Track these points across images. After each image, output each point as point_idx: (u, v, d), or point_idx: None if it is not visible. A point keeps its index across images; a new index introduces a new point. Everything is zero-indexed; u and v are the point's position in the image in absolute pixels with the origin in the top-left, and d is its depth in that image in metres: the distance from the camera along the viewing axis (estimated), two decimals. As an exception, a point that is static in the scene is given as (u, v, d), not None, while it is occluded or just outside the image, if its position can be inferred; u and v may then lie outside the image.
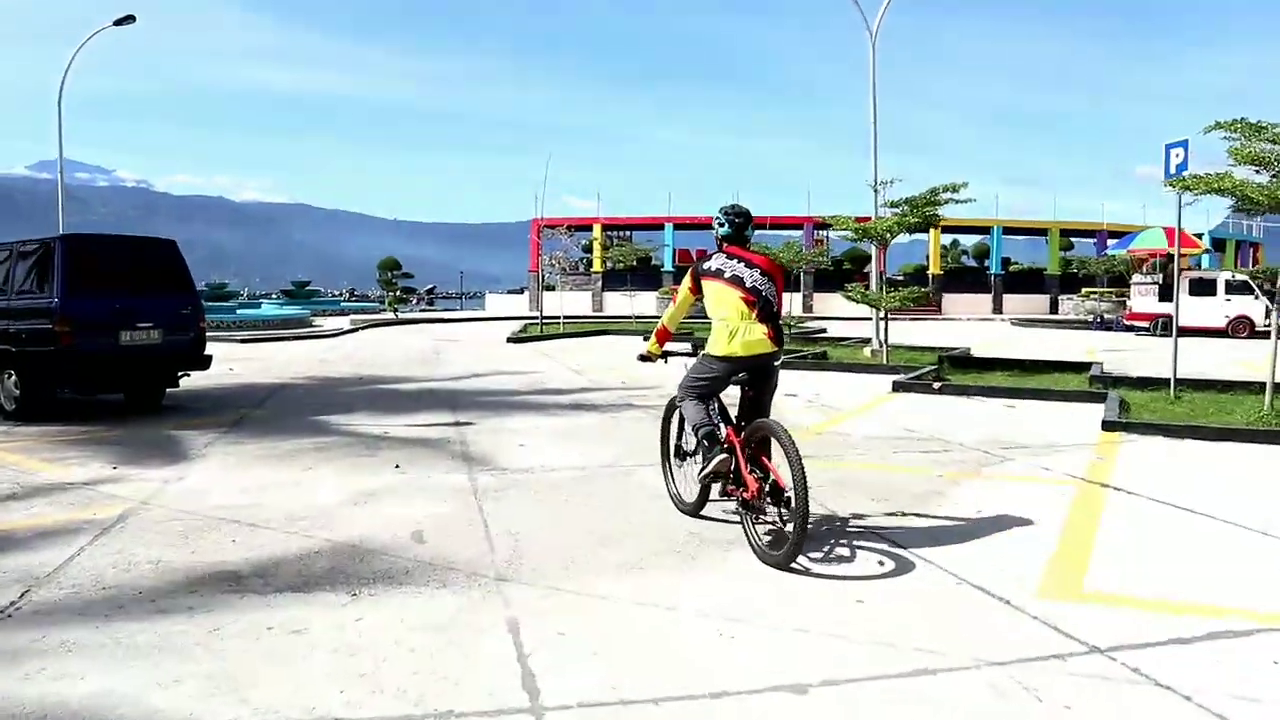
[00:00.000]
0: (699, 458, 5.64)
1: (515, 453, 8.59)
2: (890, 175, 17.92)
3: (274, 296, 49.97)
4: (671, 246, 47.29)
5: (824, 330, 27.57)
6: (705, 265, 5.66)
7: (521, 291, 55.49)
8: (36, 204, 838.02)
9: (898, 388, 13.30)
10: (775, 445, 5.21)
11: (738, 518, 5.60)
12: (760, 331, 5.38)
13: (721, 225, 5.76)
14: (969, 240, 60.13)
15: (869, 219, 18.07)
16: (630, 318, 33.48)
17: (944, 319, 41.12)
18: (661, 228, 48.08)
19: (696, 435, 5.60)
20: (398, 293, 36.82)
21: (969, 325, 35.36)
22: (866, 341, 23.07)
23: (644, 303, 44.91)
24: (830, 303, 46.54)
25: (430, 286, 75.20)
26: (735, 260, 5.59)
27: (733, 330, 5.40)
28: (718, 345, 5.46)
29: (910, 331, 30.90)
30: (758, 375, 5.54)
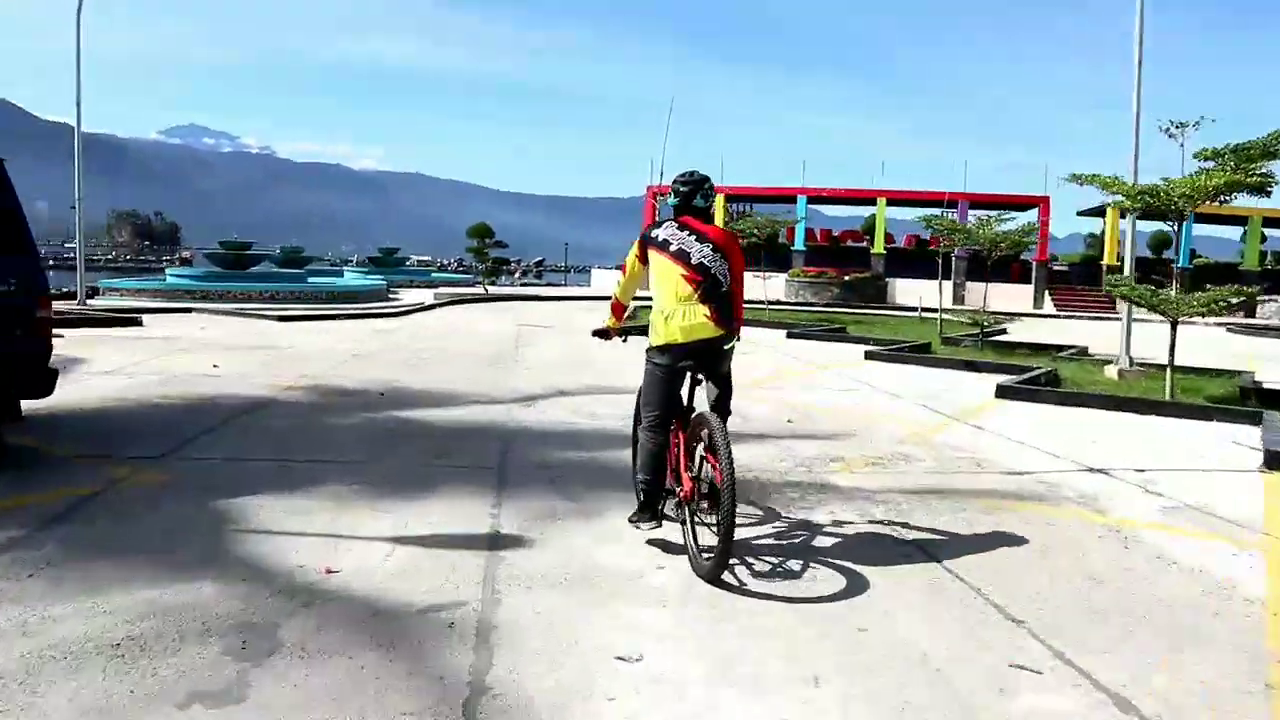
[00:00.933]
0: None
1: (603, 708, 3.29)
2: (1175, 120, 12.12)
3: (356, 263, 45.46)
4: (804, 222, 41.38)
5: (1002, 330, 21.48)
6: (653, 233, 5.01)
7: (620, 268, 50.47)
8: (169, 168, 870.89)
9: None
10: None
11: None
12: (701, 314, 4.76)
13: (689, 194, 5.00)
14: (1142, 227, 52.52)
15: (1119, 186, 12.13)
16: (761, 303, 27.77)
17: (1113, 317, 34.75)
18: (793, 200, 42.14)
19: (635, 485, 5.07)
20: (489, 264, 31.84)
21: (1155, 329, 28.86)
22: (1082, 352, 17.25)
23: (775, 287, 39.35)
24: (978, 293, 40.46)
25: (538, 259, 70.17)
26: (685, 231, 4.92)
27: (667, 314, 4.82)
28: (655, 334, 4.90)
29: (1080, 331, 24.74)
30: (704, 361, 4.90)
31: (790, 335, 19.47)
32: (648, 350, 4.98)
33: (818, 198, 42.54)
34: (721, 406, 4.95)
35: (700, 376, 5.01)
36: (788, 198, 42.51)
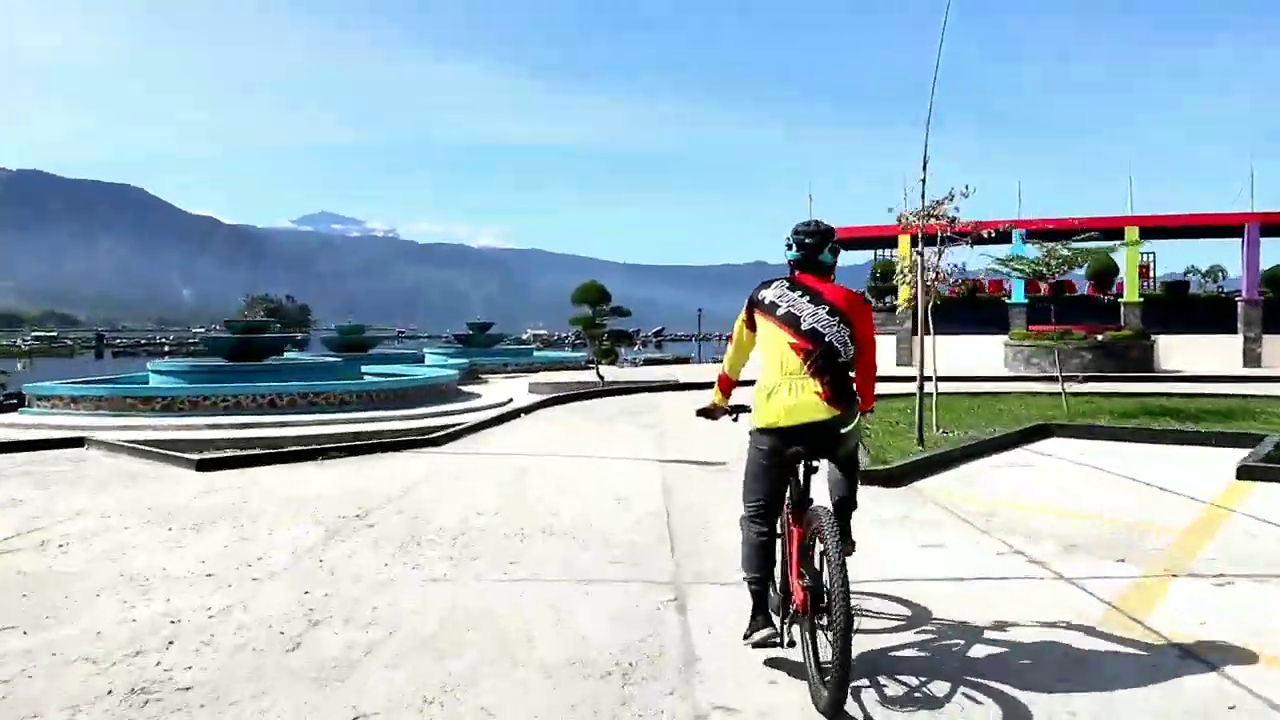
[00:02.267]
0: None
1: None
2: None
3: (444, 341, 36.26)
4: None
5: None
6: (761, 295, 4.31)
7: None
8: (302, 253, 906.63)
9: None
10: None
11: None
12: (811, 390, 4.00)
13: (811, 246, 4.28)
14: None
15: None
16: (977, 379, 17.63)
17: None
18: (1007, 238, 31.59)
19: (746, 581, 4.22)
20: (604, 340, 22.24)
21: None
22: None
23: (987, 354, 28.99)
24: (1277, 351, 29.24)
25: (658, 329, 59.75)
26: (797, 291, 4.21)
27: (770, 389, 4.09)
28: (756, 414, 4.15)
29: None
30: (818, 448, 4.08)
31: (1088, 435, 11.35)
32: (750, 432, 4.22)
33: (1039, 231, 31.92)
34: (843, 502, 4.27)
35: (815, 464, 4.14)
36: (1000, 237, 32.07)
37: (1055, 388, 20.29)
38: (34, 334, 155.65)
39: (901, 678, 4.14)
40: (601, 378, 21.49)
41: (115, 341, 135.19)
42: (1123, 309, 30.80)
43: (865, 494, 5.78)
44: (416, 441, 11.74)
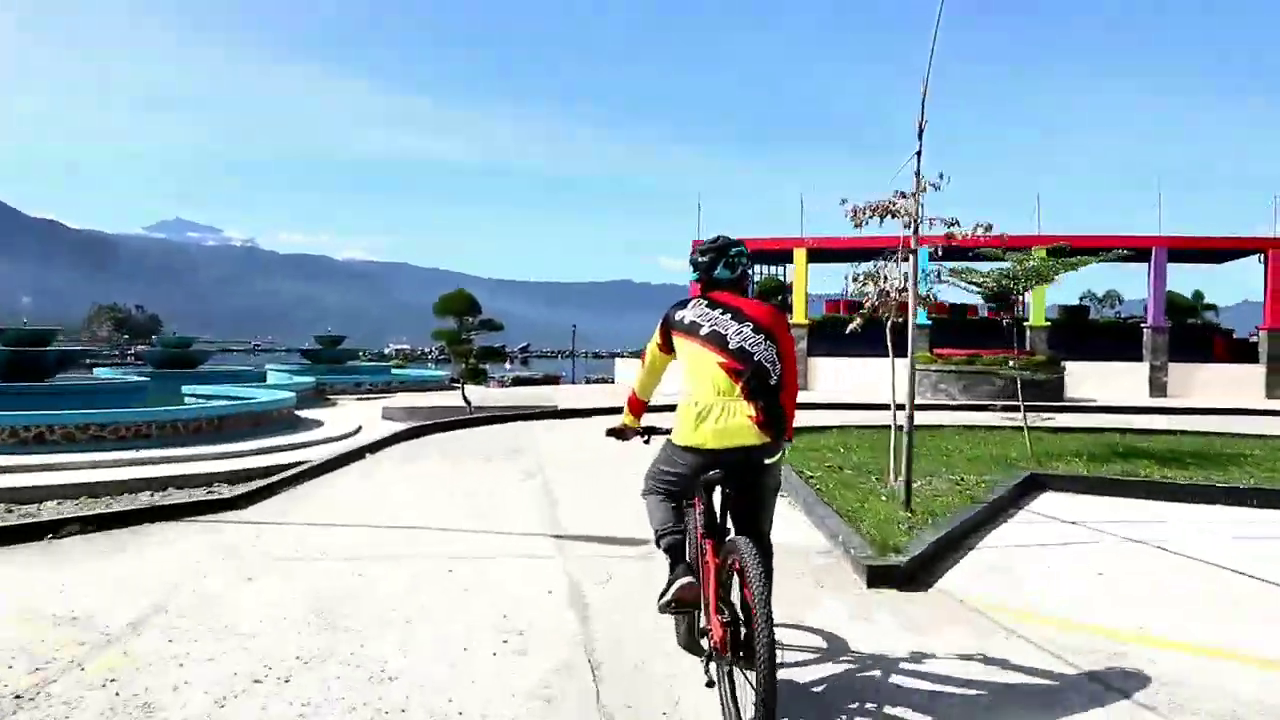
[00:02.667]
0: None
1: None
2: None
3: (303, 355, 31.77)
4: (930, 283, 28.86)
5: None
6: (678, 315, 4.11)
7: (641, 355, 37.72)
8: (155, 262, 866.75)
9: None
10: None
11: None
12: (743, 414, 3.78)
13: (709, 264, 4.16)
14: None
15: None
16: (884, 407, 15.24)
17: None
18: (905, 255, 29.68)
19: (657, 543, 4.09)
20: (471, 359, 18.83)
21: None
22: None
23: (888, 377, 26.80)
24: (1182, 380, 27.98)
25: (523, 345, 56.31)
26: (719, 310, 4.02)
27: (701, 410, 3.84)
28: (683, 432, 3.92)
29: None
30: (741, 475, 3.87)
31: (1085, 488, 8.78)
32: (668, 443, 4.08)
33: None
34: (755, 528, 3.96)
35: (729, 492, 3.93)
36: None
37: (985, 419, 18.05)
38: None
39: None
40: (468, 402, 18.19)
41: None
42: (1028, 333, 29.13)
43: (882, 608, 5.20)
44: (207, 505, 8.24)
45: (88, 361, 27.77)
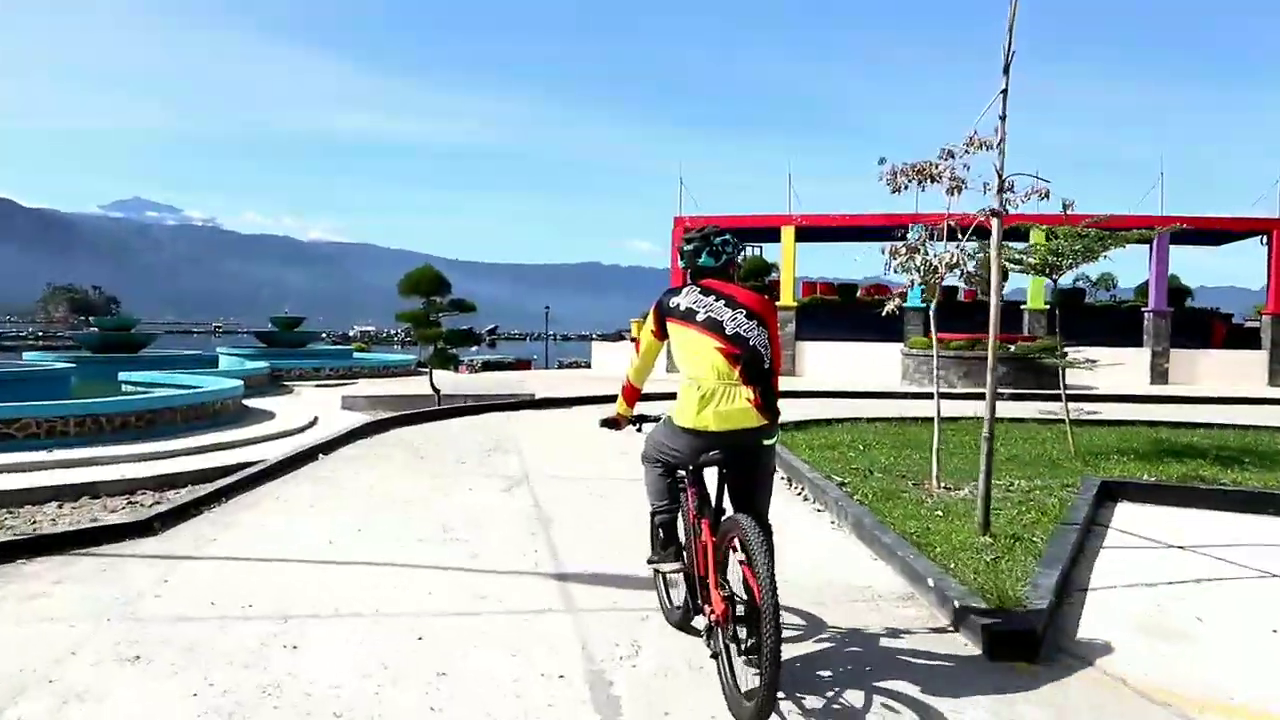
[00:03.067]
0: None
1: None
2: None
3: (218, 334, 30.00)
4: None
5: None
6: (673, 302, 4.18)
7: (618, 338, 36.28)
8: (113, 242, 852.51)
9: None
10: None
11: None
12: (743, 397, 3.91)
13: (695, 252, 4.26)
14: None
15: None
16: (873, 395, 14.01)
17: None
18: (897, 232, 28.18)
19: (651, 520, 4.42)
20: (440, 343, 17.09)
21: None
22: None
23: (879, 363, 25.66)
24: (1185, 366, 26.81)
25: (491, 326, 54.73)
26: (712, 297, 4.11)
27: (705, 394, 3.95)
28: (685, 414, 4.02)
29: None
30: (740, 457, 4.02)
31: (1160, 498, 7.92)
32: (666, 418, 4.24)
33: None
34: (754, 506, 4.05)
35: (726, 473, 4.10)
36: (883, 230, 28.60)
37: (1000, 410, 16.63)
38: None
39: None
40: (436, 390, 16.49)
41: None
42: (1026, 316, 27.76)
43: (1028, 700, 3.91)
44: (109, 532, 6.50)
45: (14, 345, 25.70)
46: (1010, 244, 11.90)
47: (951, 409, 16.77)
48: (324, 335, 37.99)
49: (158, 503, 8.77)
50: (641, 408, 4.74)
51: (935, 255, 8.54)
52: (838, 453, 11.01)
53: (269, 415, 14.90)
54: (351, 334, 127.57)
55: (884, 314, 9.65)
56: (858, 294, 32.75)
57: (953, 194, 8.72)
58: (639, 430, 4.66)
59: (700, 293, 4.12)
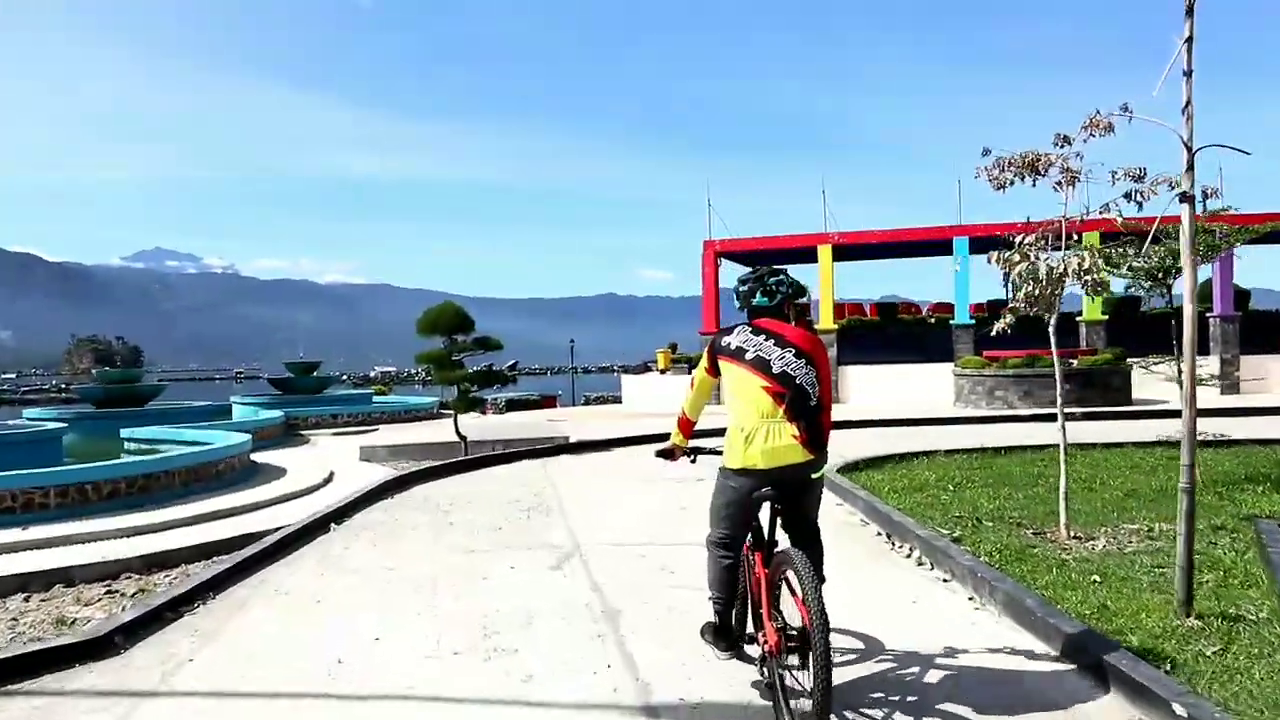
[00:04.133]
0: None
1: None
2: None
3: (241, 380, 28.74)
4: (967, 279, 25.85)
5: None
6: (724, 341, 4.32)
7: (643, 370, 34.83)
8: (133, 292, 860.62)
9: None
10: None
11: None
12: (788, 434, 4.02)
13: (749, 292, 4.36)
14: None
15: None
16: (926, 421, 12.54)
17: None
18: (944, 247, 26.58)
19: (710, 602, 4.39)
20: (466, 382, 15.63)
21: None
22: None
23: (926, 385, 24.14)
24: (1256, 373, 25.10)
25: (512, 362, 53.41)
26: (763, 336, 4.21)
27: (749, 433, 4.07)
28: (733, 456, 4.14)
29: None
30: (789, 492, 4.10)
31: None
32: (721, 469, 4.27)
33: (985, 238, 26.89)
34: (808, 538, 4.23)
35: (779, 507, 4.14)
36: (932, 245, 26.95)
37: (1084, 433, 15.06)
38: None
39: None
40: (462, 438, 15.05)
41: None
42: (1083, 328, 26.14)
43: None
44: (53, 655, 5.03)
45: (34, 398, 24.42)
46: (1114, 245, 10.37)
47: (1026, 434, 15.29)
48: (344, 377, 36.78)
49: (141, 591, 7.40)
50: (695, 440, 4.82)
51: (1062, 260, 7.05)
52: (927, 495, 9.51)
53: (280, 472, 13.54)
54: (372, 375, 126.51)
55: (993, 332, 8.14)
56: (897, 313, 31.26)
57: (1067, 188, 7.34)
58: (693, 461, 4.77)
59: (752, 332, 4.23)
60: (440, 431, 17.54)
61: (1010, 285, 7.66)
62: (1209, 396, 24.04)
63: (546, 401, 37.47)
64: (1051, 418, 19.49)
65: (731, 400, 4.20)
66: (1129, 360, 21.96)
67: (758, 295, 4.32)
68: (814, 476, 4.14)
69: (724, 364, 4.27)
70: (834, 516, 8.95)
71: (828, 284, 27.02)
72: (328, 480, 12.85)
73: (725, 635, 4.34)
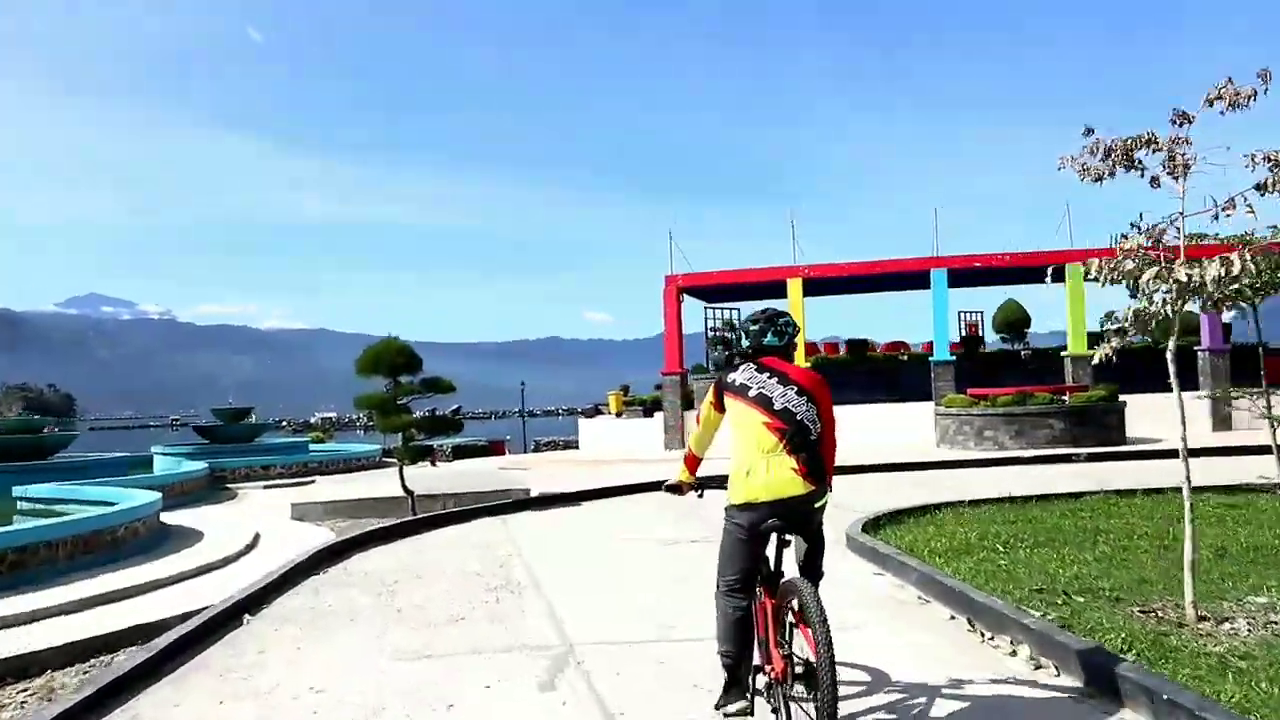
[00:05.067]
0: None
1: None
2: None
3: (176, 427, 26.32)
4: (945, 314, 24.45)
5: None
6: (730, 378, 4.38)
7: (594, 413, 33.17)
8: (68, 339, 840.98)
9: None
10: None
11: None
12: (788, 466, 4.05)
13: (760, 332, 4.40)
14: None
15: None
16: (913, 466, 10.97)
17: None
18: (922, 279, 25.15)
19: (719, 654, 4.27)
20: (413, 429, 13.76)
21: None
22: None
23: (905, 425, 22.67)
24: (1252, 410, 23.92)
25: (455, 406, 50.61)
26: (767, 374, 4.27)
27: (750, 468, 4.10)
28: (735, 491, 4.17)
29: None
30: (791, 523, 4.13)
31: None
32: (726, 508, 4.26)
33: (963, 270, 25.44)
34: (812, 568, 4.31)
35: (788, 538, 4.24)
36: (908, 279, 25.52)
37: (1101, 474, 13.51)
38: None
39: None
40: (409, 493, 13.10)
41: None
42: (1068, 363, 24.84)
43: None
44: None
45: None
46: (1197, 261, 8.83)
47: (1029, 479, 13.72)
48: (283, 424, 34.50)
49: (-23, 723, 5.42)
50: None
51: (1200, 269, 5.45)
52: (980, 560, 7.83)
53: (196, 537, 11.56)
54: (313, 420, 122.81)
55: (1094, 362, 6.54)
56: (867, 350, 29.87)
57: (1179, 177, 5.85)
58: (700, 496, 4.78)
59: (756, 369, 4.30)
60: (384, 483, 15.55)
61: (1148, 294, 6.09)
62: (1201, 433, 22.84)
63: (495, 447, 35.44)
64: (1051, 459, 18.14)
65: (734, 436, 4.25)
66: (1231, 390, 20.68)
67: (769, 335, 4.37)
68: (816, 506, 4.15)
69: (729, 400, 4.31)
70: (878, 591, 7.23)
71: (797, 319, 25.57)
72: (251, 546, 10.91)
73: (737, 685, 4.17)
